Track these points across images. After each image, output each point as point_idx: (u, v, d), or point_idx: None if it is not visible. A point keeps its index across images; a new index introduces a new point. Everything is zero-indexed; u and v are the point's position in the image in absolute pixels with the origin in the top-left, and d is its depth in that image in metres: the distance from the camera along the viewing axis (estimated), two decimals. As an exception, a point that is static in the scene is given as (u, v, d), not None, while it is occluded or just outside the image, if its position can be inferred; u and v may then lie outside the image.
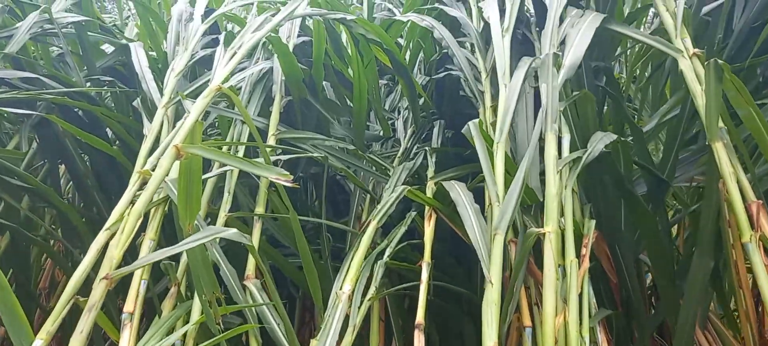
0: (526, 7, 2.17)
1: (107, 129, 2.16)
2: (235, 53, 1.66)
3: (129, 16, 3.97)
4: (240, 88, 1.94)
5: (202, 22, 2.14)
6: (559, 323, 1.29)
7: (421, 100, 2.56)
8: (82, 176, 2.06)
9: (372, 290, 1.48)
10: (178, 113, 1.85)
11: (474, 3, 2.23)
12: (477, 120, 1.66)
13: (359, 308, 1.41)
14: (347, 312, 1.40)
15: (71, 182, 2.31)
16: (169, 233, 1.72)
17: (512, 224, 1.65)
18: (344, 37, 2.31)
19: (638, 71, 3.09)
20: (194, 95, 1.73)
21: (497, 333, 1.24)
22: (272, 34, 1.78)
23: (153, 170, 1.39)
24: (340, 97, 2.47)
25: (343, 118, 2.55)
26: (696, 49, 1.67)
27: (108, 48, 2.53)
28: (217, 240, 1.44)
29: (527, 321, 1.47)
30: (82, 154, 2.11)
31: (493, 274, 1.31)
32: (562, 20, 1.77)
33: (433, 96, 2.50)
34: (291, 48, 1.96)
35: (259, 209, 1.63)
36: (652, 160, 2.03)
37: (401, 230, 1.75)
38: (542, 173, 1.60)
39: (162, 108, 1.79)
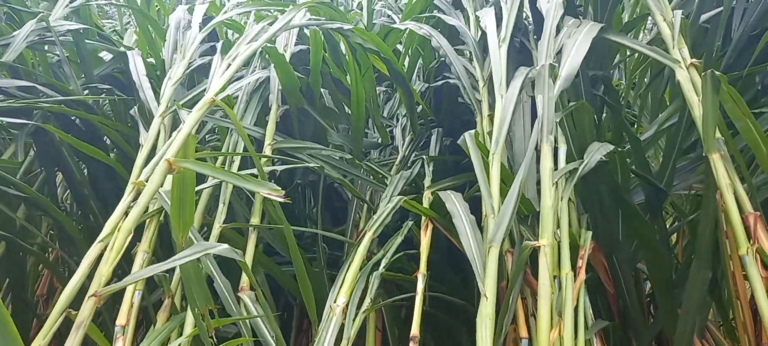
0: (524, 15, 2.17)
1: (106, 137, 2.16)
2: (230, 64, 1.66)
3: (129, 22, 3.97)
4: (237, 98, 1.94)
5: (200, 30, 2.13)
6: (554, 337, 1.28)
7: (420, 108, 2.56)
8: (79, 184, 2.06)
9: (367, 302, 1.47)
10: (176, 122, 1.84)
11: (472, 11, 2.23)
12: (473, 131, 1.65)
13: (354, 320, 1.40)
14: (342, 325, 1.40)
15: (69, 190, 2.31)
16: (167, 242, 1.71)
17: (509, 234, 1.66)
18: (343, 45, 2.31)
19: (638, 78, 3.08)
20: (191, 104, 1.73)
21: (492, 346, 1.24)
22: (268, 45, 1.77)
23: (148, 182, 1.38)
24: (339, 104, 2.47)
25: (342, 125, 2.55)
26: (693, 59, 1.67)
27: (107, 55, 2.53)
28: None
29: (524, 332, 1.46)
30: (80, 163, 2.11)
31: (488, 287, 1.30)
32: (559, 30, 1.76)
33: (432, 103, 2.50)
34: (288, 57, 1.95)
35: (255, 220, 1.63)
36: (650, 169, 2.03)
37: (397, 241, 1.74)
38: (539, 183, 1.59)
39: (158, 117, 1.78)
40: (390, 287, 1.90)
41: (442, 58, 2.21)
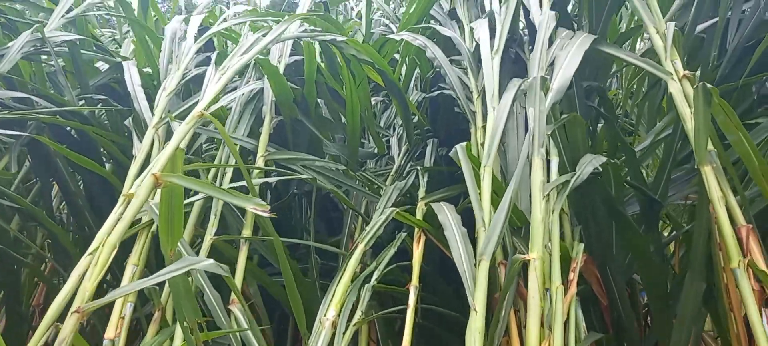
0: (522, 25, 2.17)
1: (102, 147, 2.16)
2: (222, 76, 1.66)
3: (128, 31, 3.98)
4: (231, 109, 1.94)
5: (195, 41, 2.14)
6: (544, 351, 1.28)
7: (416, 119, 2.56)
8: (73, 195, 2.06)
9: (358, 315, 1.47)
10: (170, 133, 1.84)
11: (467, 23, 2.23)
12: (465, 143, 1.65)
13: (344, 333, 1.40)
14: (333, 337, 1.39)
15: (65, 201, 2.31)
16: (161, 254, 1.71)
17: (502, 246, 1.65)
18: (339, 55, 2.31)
19: (635, 87, 3.08)
20: (185, 115, 1.72)
21: (481, 361, 1.23)
22: (260, 57, 1.77)
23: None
24: (335, 114, 2.47)
25: (339, 135, 2.55)
26: (686, 72, 1.66)
27: (104, 66, 2.54)
28: (202, 265, 1.43)
29: (516, 345, 1.46)
30: (74, 173, 2.11)
31: (478, 301, 1.29)
32: (552, 41, 1.76)
33: (429, 113, 2.50)
34: (282, 68, 1.96)
35: (247, 232, 1.63)
36: (644, 180, 2.02)
37: (390, 252, 1.74)
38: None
39: (152, 128, 1.79)
40: (385, 298, 1.90)
41: (438, 69, 2.21)
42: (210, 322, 1.38)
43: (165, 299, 1.45)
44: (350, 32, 3.82)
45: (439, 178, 2.14)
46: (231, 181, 1.73)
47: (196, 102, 1.96)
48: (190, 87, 2.34)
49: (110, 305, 1.42)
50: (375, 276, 1.61)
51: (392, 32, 2.88)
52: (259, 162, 1.78)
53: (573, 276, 1.47)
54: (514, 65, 2.07)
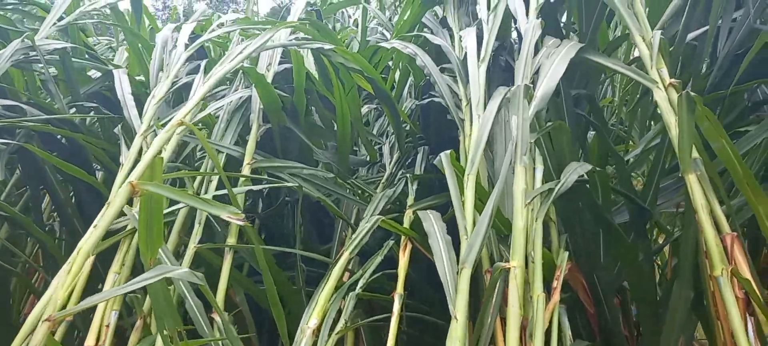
0: (514, 34, 2.17)
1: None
2: (204, 85, 1.66)
3: (125, 39, 3.99)
4: (219, 116, 1.94)
5: (186, 49, 2.14)
6: (525, 360, 1.27)
7: (408, 126, 2.56)
8: (63, 203, 2.06)
9: (341, 323, 1.47)
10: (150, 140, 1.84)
11: (456, 31, 2.23)
12: (449, 152, 1.65)
13: (326, 342, 1.39)
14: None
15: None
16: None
17: (490, 254, 1.65)
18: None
19: (629, 94, 3.08)
20: (172, 123, 1.73)
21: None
22: (245, 65, 1.78)
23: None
24: (327, 122, 2.47)
25: (331, 142, 2.55)
26: (672, 80, 1.66)
27: (96, 74, 2.54)
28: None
29: (502, 353, 1.45)
30: (64, 181, 2.11)
31: (459, 309, 1.29)
32: (539, 50, 1.76)
33: (421, 121, 2.50)
34: (271, 76, 1.96)
35: (231, 240, 1.63)
36: (633, 188, 2.02)
37: (377, 260, 1.74)
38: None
39: (139, 136, 1.79)
40: (374, 306, 1.89)
41: (429, 76, 2.21)
42: (192, 330, 1.38)
43: (148, 308, 1.45)
44: (346, 40, 3.84)
45: (430, 185, 2.14)
46: (217, 189, 1.73)
47: (186, 110, 1.97)
48: (182, 95, 2.35)
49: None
50: (360, 284, 1.61)
51: (387, 39, 2.88)
52: (245, 170, 1.78)
53: (557, 284, 1.46)
54: (504, 73, 2.08)
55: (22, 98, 2.08)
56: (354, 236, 1.67)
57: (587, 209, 1.74)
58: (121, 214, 1.56)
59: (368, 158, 2.61)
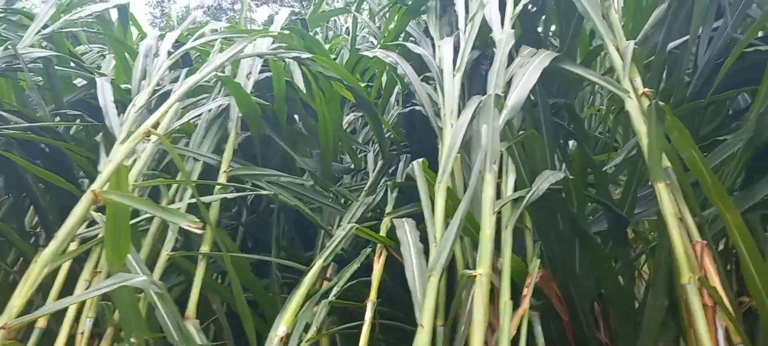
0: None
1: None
2: (174, 94, 1.67)
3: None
4: (197, 125, 1.96)
5: (169, 57, 2.15)
6: (490, 368, 1.28)
7: (392, 135, 2.58)
8: (45, 211, 2.07)
9: (312, 331, 1.47)
10: (138, 149, 1.86)
11: (438, 40, 2.24)
12: (422, 160, 1.66)
13: (297, 351, 1.40)
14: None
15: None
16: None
17: (465, 261, 1.66)
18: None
19: (616, 103, 3.09)
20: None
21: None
22: (222, 73, 1.79)
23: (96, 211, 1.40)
24: (312, 130, 2.49)
25: (316, 150, 2.56)
26: (646, 89, 1.67)
27: (82, 82, 2.56)
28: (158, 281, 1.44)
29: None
30: (45, 190, 2.12)
31: (425, 317, 1.30)
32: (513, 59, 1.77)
33: (405, 129, 2.51)
34: (251, 84, 1.98)
35: (205, 248, 1.64)
36: (611, 197, 2.03)
37: (353, 267, 1.75)
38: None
39: (119, 144, 1.80)
40: (353, 314, 1.90)
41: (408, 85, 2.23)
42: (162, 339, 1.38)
43: (118, 316, 1.46)
44: (337, 48, 3.87)
45: (412, 193, 2.14)
46: (192, 197, 1.74)
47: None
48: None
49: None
50: (334, 292, 1.62)
51: (375, 47, 2.90)
52: (222, 178, 1.79)
53: (527, 292, 1.47)
54: (484, 82, 2.08)
55: (3, 106, 2.09)
56: (328, 244, 1.68)
57: (562, 218, 1.75)
58: (93, 222, 1.57)
59: (353, 166, 2.63)
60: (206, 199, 1.69)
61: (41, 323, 1.44)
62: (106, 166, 1.43)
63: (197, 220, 1.20)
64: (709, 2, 2.07)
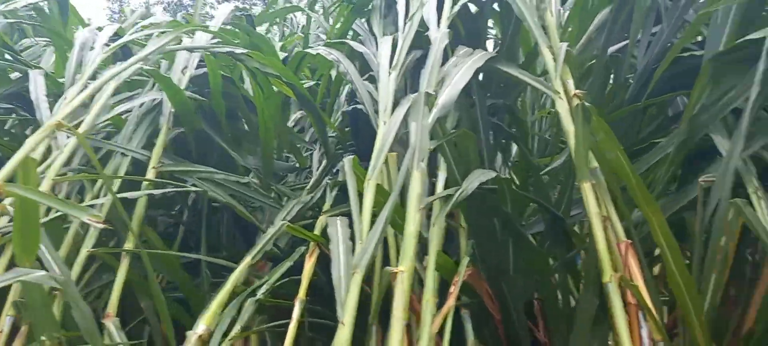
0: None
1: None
2: (85, 87, 1.63)
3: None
4: (127, 119, 1.92)
5: (105, 50, 2.10)
6: (411, 366, 1.27)
7: (337, 134, 2.56)
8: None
9: (236, 329, 1.45)
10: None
11: (380, 38, 2.24)
12: (353, 157, 1.65)
13: (218, 349, 1.38)
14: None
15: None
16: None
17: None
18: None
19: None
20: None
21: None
22: (146, 67, 1.75)
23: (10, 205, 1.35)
24: (255, 128, 2.46)
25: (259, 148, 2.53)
26: (577, 91, 1.69)
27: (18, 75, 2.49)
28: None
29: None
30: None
31: (346, 314, 1.29)
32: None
33: (350, 127, 2.50)
34: (187, 79, 1.94)
35: (128, 245, 1.60)
36: (548, 197, 2.04)
37: (286, 265, 1.73)
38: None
39: (30, 137, 1.74)
40: (284, 313, 1.88)
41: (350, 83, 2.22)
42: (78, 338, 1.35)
43: (34, 313, 1.42)
44: (290, 46, 3.84)
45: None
46: (119, 192, 1.69)
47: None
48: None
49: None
50: (263, 290, 1.60)
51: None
52: (150, 174, 1.75)
53: (454, 289, 1.47)
54: (424, 82, 2.09)
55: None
56: (258, 242, 1.66)
57: (495, 217, 1.75)
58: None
59: (298, 165, 2.61)
60: (134, 194, 1.65)
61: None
62: (13, 157, 1.38)
63: (98, 215, 1.17)
64: (648, 7, 2.10)
